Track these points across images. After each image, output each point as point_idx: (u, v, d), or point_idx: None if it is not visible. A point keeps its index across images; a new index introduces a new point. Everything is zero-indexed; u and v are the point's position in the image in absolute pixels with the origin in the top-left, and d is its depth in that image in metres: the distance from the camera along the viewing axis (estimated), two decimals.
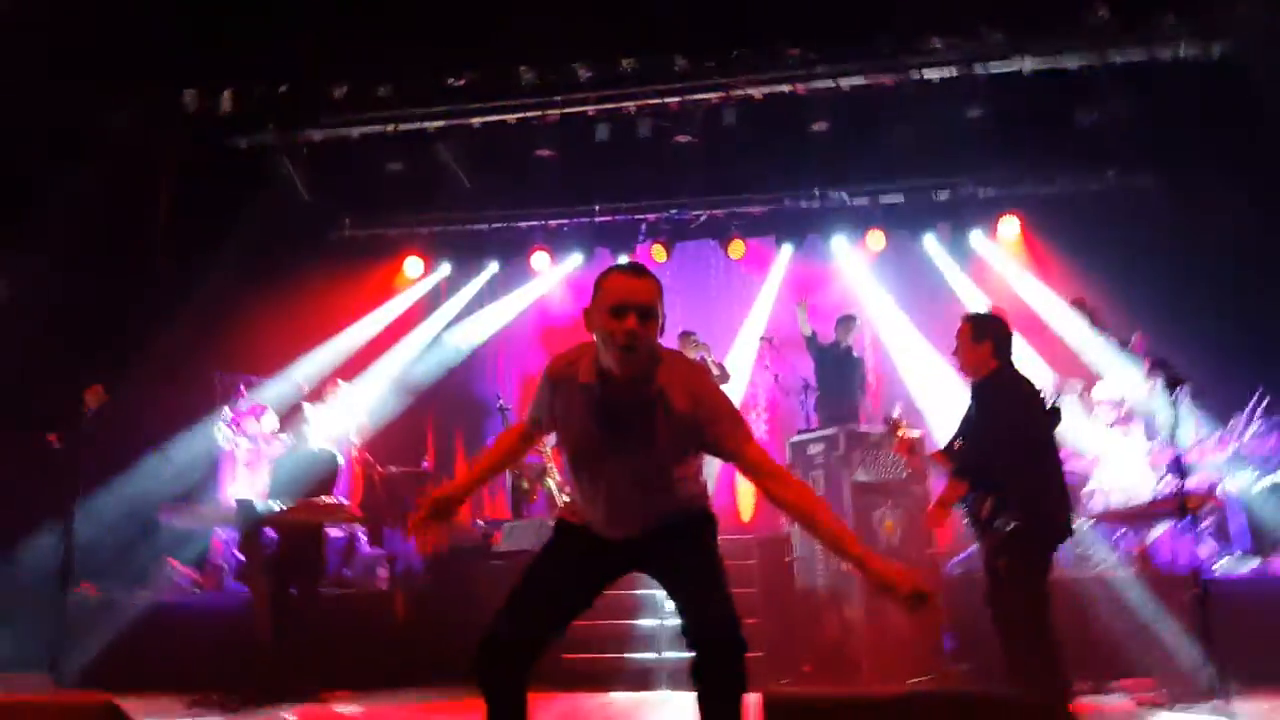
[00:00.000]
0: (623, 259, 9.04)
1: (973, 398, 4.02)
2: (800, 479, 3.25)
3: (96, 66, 6.28)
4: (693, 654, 2.32)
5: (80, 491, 4.02)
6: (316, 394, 6.74)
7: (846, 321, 7.37)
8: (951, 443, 4.17)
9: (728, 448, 2.41)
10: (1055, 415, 4.02)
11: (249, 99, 6.50)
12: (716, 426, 2.40)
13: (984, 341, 3.96)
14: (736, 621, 2.33)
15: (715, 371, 7.21)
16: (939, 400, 7.70)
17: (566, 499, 2.83)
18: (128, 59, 6.18)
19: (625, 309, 2.32)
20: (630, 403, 2.41)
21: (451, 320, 9.44)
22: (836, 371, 7.20)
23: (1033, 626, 3.61)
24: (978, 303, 8.40)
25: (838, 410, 6.78)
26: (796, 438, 6.13)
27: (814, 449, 5.96)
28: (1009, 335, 4.05)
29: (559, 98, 7.34)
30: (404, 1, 5.80)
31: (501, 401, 7.83)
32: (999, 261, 8.43)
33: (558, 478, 7.05)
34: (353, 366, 8.49)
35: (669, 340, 2.75)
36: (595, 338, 2.42)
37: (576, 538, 2.62)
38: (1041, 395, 4.00)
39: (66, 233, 6.85)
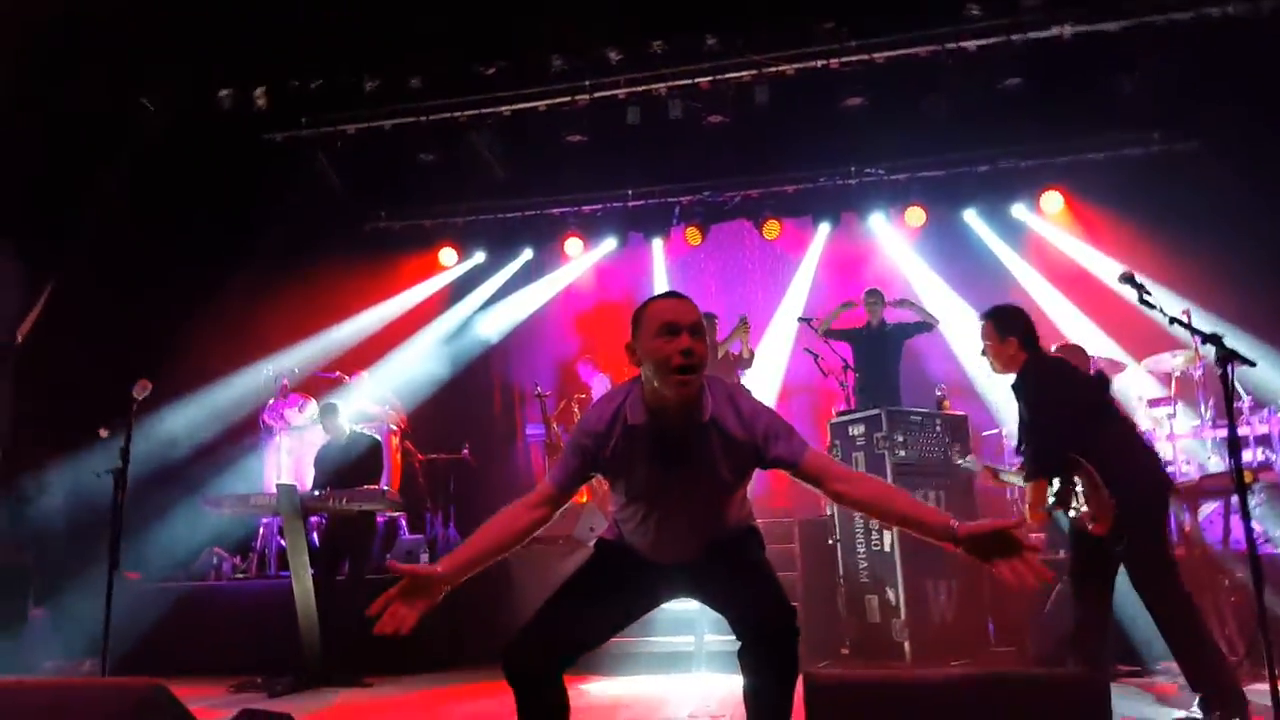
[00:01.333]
0: (657, 242, 9.04)
1: (1016, 395, 3.94)
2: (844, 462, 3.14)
3: (131, 67, 6.40)
4: (741, 640, 2.26)
5: (128, 481, 4.10)
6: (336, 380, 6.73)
7: (873, 296, 7.22)
8: (1017, 449, 4.07)
9: (788, 461, 2.33)
10: (1101, 379, 3.91)
11: (282, 95, 6.54)
12: (774, 443, 2.33)
13: (1010, 336, 3.91)
14: (788, 606, 2.28)
15: (747, 355, 7.14)
16: (989, 375, 7.58)
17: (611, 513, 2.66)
18: (161, 59, 6.27)
19: (678, 328, 2.24)
20: (685, 436, 2.33)
21: (485, 303, 9.47)
22: (872, 351, 7.08)
23: (1175, 598, 3.47)
24: (1019, 279, 8.27)
25: (878, 391, 6.67)
26: (836, 419, 6.06)
27: (855, 429, 5.87)
28: (1032, 324, 3.97)
29: (588, 82, 7.31)
30: None
31: (539, 389, 7.84)
32: (1045, 233, 8.28)
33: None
34: (384, 352, 8.61)
35: None
36: (644, 370, 2.32)
37: (621, 556, 2.53)
38: (1078, 370, 3.89)
39: (105, 229, 7.03)
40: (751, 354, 7.21)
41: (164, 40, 6.43)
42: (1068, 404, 3.70)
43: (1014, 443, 6.59)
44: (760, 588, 2.34)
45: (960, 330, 7.75)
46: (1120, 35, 6.49)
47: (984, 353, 4.03)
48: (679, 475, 2.35)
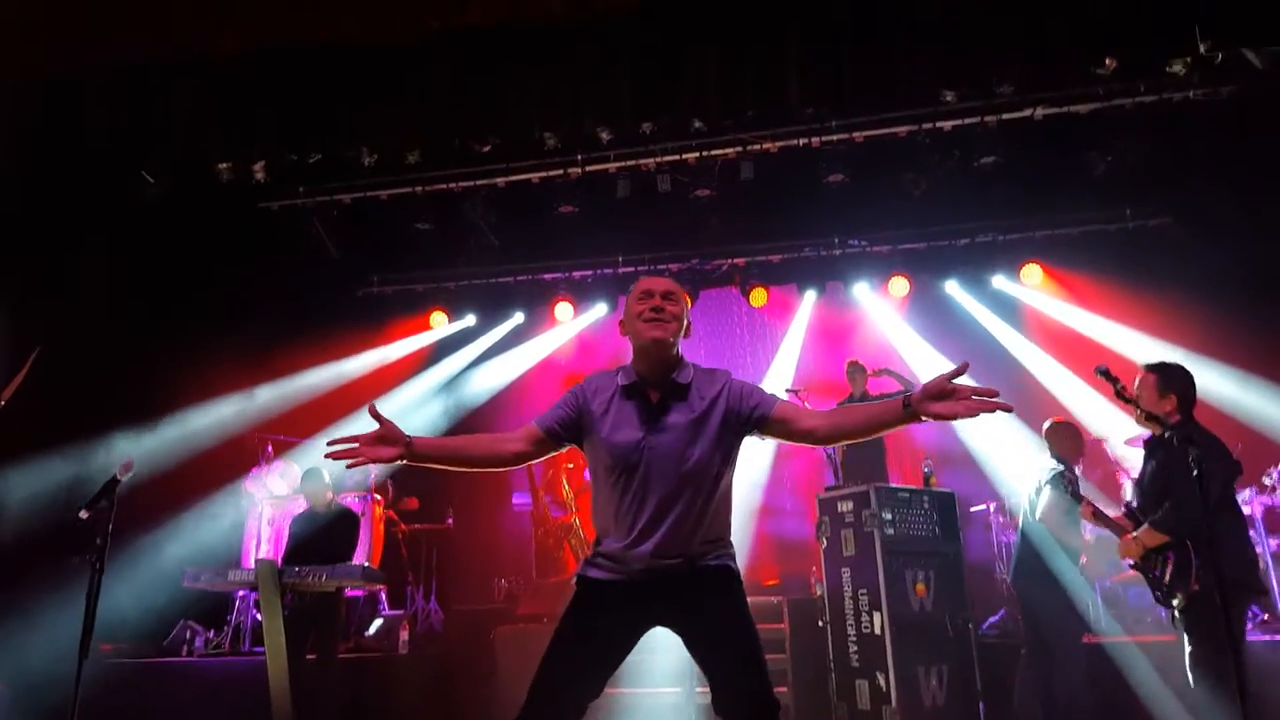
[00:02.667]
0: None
1: (1155, 453, 3.97)
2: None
3: (132, 139, 6.53)
4: None
5: (107, 559, 4.06)
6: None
7: (854, 368, 7.28)
8: (1129, 504, 4.13)
9: (763, 413, 2.61)
10: (1238, 468, 3.91)
11: (281, 168, 6.68)
12: (748, 397, 2.63)
13: (1170, 394, 3.91)
14: (773, 703, 2.36)
15: None
16: (983, 441, 7.64)
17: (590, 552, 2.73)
18: (162, 135, 6.40)
19: (651, 293, 2.67)
20: (666, 396, 2.61)
21: (472, 363, 9.50)
22: None
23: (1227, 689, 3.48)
24: (1006, 346, 8.35)
25: (863, 465, 6.70)
26: (825, 494, 6.07)
27: (843, 506, 5.88)
28: (1194, 388, 3.98)
29: (580, 156, 7.48)
30: (431, 78, 5.98)
31: None
32: (1029, 300, 8.41)
33: (583, 535, 7.00)
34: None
35: None
36: (630, 335, 2.68)
37: (602, 597, 2.58)
38: (1228, 449, 3.92)
39: (95, 296, 7.07)
40: None
41: (165, 114, 6.57)
42: (1216, 482, 3.70)
43: (1006, 517, 6.62)
44: (748, 680, 2.41)
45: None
46: (1089, 117, 6.70)
47: (1133, 399, 3.93)
48: (660, 437, 2.56)
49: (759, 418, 2.60)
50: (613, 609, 2.56)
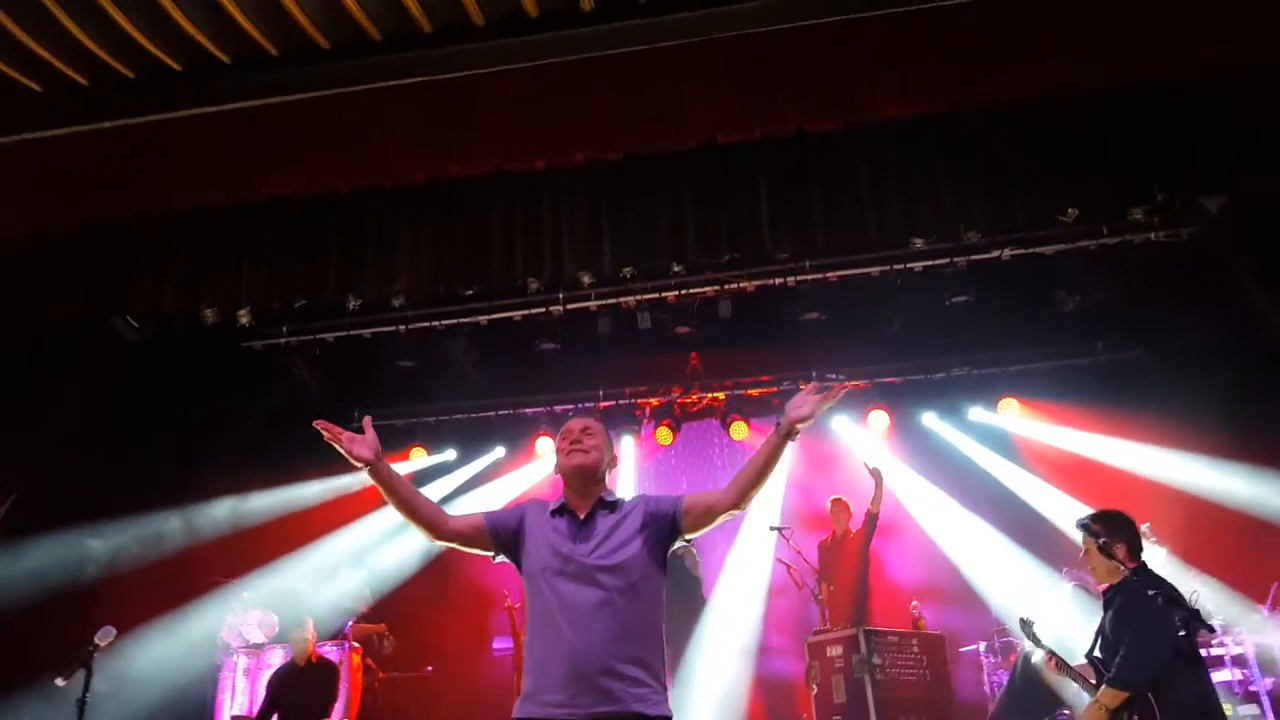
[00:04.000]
0: (628, 440, 9.16)
1: (1113, 600, 3.90)
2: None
3: (114, 285, 6.63)
4: None
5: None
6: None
7: (836, 505, 7.29)
8: (1090, 653, 4.01)
9: (676, 507, 2.87)
10: (1198, 618, 3.78)
11: (266, 312, 6.78)
12: (660, 503, 2.90)
13: (1119, 543, 3.86)
14: None
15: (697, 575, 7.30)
16: (979, 566, 7.58)
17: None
18: (143, 281, 6.52)
19: (570, 431, 2.99)
20: (591, 514, 2.86)
21: (452, 495, 9.36)
22: (840, 562, 7.05)
23: None
24: (992, 472, 8.35)
25: (849, 605, 6.60)
26: (813, 637, 5.96)
27: (833, 650, 5.79)
28: (1137, 532, 3.95)
29: (561, 294, 7.66)
30: (415, 227, 6.18)
31: (509, 600, 7.62)
32: (1009, 428, 8.47)
33: None
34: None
35: None
36: (559, 471, 2.97)
37: None
38: (1182, 597, 3.85)
39: (77, 430, 7.00)
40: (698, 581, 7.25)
41: (147, 262, 6.69)
42: (1172, 631, 3.63)
43: (996, 657, 6.48)
44: None
45: (937, 526, 7.79)
46: (1056, 257, 7.00)
47: (1084, 557, 3.93)
48: (582, 547, 2.77)
49: (675, 511, 2.86)
50: None
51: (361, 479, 8.91)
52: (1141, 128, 5.37)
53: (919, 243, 5.97)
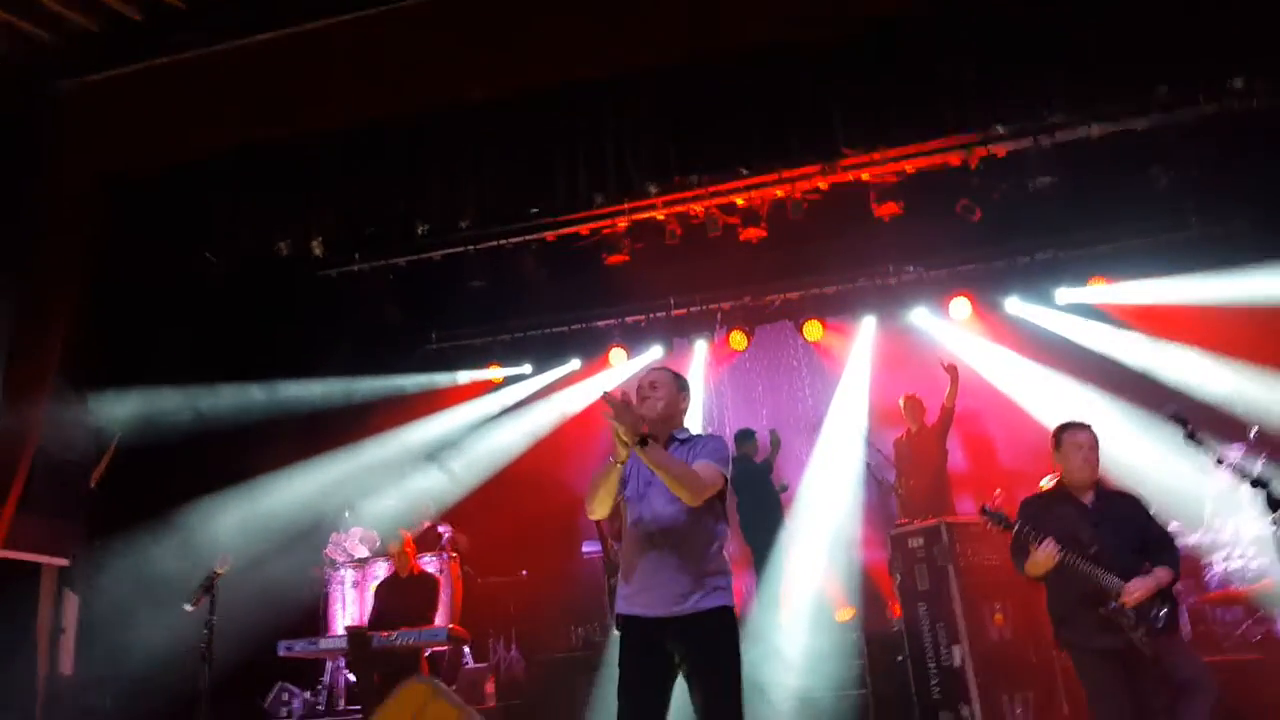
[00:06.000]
0: (701, 346, 9.19)
1: (1111, 503, 3.90)
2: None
3: (197, 225, 6.85)
4: None
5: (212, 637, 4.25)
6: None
7: (910, 402, 7.23)
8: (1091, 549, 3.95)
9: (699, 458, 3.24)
10: None
11: (337, 241, 6.92)
12: (701, 453, 3.27)
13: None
14: None
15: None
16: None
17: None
18: (223, 217, 6.70)
19: (641, 387, 3.43)
20: (665, 448, 3.24)
21: (530, 404, 9.57)
22: (917, 458, 7.04)
23: None
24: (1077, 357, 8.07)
25: (928, 500, 6.62)
26: (896, 530, 6.02)
27: (914, 542, 5.85)
28: None
29: (627, 206, 7.57)
30: (477, 147, 6.15)
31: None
32: (1093, 315, 8.13)
33: None
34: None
35: None
36: None
37: (632, 637, 3.19)
38: None
39: (173, 374, 7.36)
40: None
41: (225, 197, 6.86)
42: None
43: None
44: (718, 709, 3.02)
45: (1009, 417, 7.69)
46: (1148, 132, 6.57)
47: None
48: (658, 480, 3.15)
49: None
50: (643, 652, 3.16)
51: (447, 420, 9.44)
52: None
53: (1000, 130, 5.66)
